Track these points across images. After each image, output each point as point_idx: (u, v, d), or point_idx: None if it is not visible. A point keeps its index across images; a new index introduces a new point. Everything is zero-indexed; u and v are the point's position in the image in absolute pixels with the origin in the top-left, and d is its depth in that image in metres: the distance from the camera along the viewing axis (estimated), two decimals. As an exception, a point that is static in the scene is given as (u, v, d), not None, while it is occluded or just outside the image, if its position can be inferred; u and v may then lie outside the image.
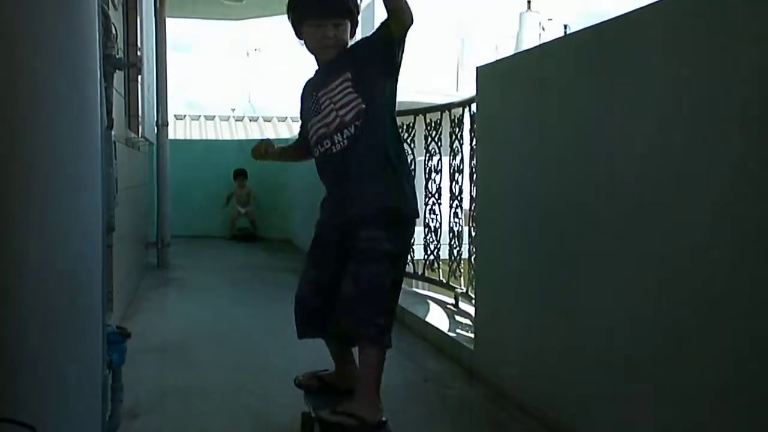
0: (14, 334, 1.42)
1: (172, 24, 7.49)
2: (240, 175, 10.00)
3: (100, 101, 1.64)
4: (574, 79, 2.71)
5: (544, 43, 3.27)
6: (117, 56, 2.63)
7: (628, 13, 2.34)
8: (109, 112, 2.62)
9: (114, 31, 2.36)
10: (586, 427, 2.56)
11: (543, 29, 16.53)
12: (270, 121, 18.78)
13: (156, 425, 2.85)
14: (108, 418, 2.06)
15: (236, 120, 19.19)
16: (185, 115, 18.83)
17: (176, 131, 13.88)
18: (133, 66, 4.10)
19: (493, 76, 3.54)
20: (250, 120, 19.01)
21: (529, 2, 16.43)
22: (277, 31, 20.06)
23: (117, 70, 2.52)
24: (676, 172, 2.11)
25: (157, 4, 6.94)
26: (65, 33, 1.56)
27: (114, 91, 2.80)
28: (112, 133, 2.38)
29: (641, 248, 2.28)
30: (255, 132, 17.62)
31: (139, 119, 5.51)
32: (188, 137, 16.24)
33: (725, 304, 1.93)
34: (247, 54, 24.45)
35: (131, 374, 2.76)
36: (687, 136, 2.07)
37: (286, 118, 18.10)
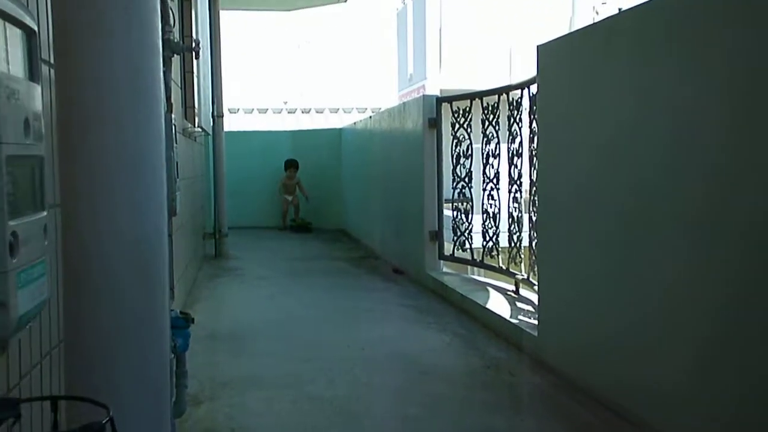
0: (86, 315, 1.41)
1: (225, 16, 7.52)
2: (291, 165, 9.93)
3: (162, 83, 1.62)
4: (646, 55, 2.59)
5: (613, 16, 3.12)
6: (174, 40, 2.63)
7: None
8: (168, 97, 2.62)
9: (171, 15, 2.34)
10: (664, 422, 2.45)
11: (597, 13, 16.16)
12: (322, 113, 18.88)
13: (220, 412, 2.84)
14: (173, 403, 2.05)
15: (288, 112, 19.37)
16: (239, 109, 19.13)
17: (230, 124, 14.03)
18: (190, 51, 4.09)
19: (555, 54, 3.42)
20: (302, 112, 19.16)
21: (583, -15, 16.12)
22: (326, 22, 20.11)
23: (175, 54, 2.51)
24: (758, 161, 1.99)
25: (211, -4, 6.99)
26: (127, 13, 1.53)
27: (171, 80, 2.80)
28: (172, 116, 2.37)
29: (708, 231, 2.16)
30: (307, 124, 17.75)
31: (195, 110, 5.54)
32: (242, 130, 16.47)
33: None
34: (298, 46, 24.56)
35: (192, 362, 2.76)
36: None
37: (338, 109, 18.16)
